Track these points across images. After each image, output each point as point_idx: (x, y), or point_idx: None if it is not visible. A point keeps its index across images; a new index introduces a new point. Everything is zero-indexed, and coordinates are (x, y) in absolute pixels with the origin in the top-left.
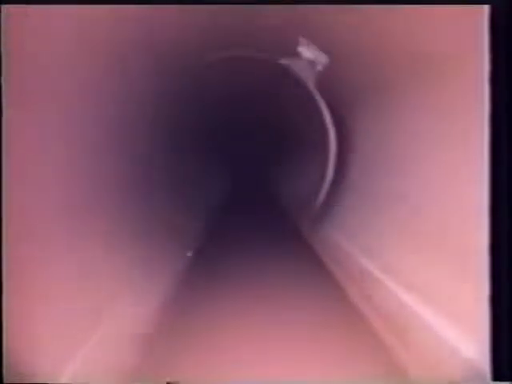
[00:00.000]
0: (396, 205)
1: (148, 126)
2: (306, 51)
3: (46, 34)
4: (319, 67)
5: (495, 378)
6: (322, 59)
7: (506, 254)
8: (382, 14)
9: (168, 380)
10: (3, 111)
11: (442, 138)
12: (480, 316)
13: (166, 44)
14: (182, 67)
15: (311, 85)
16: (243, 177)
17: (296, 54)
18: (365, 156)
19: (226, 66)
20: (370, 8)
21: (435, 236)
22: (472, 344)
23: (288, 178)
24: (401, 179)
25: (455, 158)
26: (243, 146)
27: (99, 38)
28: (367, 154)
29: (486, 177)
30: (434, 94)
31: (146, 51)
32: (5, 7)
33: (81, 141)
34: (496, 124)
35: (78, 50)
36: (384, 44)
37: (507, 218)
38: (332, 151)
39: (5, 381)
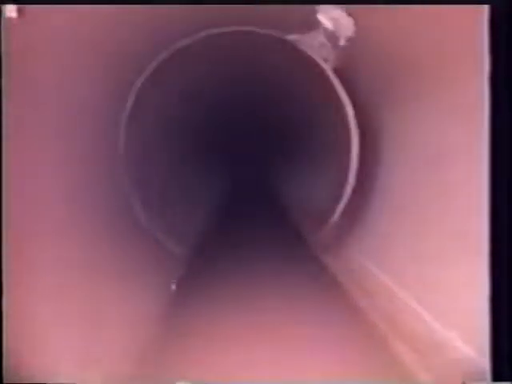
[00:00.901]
0: (416, 211)
1: (148, 124)
2: (327, 19)
3: (46, 33)
4: (342, 42)
5: (495, 378)
6: (348, 29)
7: (506, 254)
8: (382, 14)
9: (167, 380)
10: (3, 111)
11: (442, 138)
12: (480, 316)
13: (165, 41)
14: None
15: (329, 67)
16: (245, 178)
17: (309, 27)
18: (388, 159)
19: (223, 44)
20: (369, 8)
21: (436, 237)
22: (472, 344)
23: (295, 182)
24: (426, 184)
25: (456, 159)
26: (245, 145)
27: (99, 38)
28: (391, 157)
29: (486, 179)
30: (434, 94)
31: (146, 49)
32: (5, 7)
33: (81, 140)
34: (496, 124)
35: (78, 50)
36: (383, 44)
37: (507, 219)
38: (354, 151)
39: (4, 381)
